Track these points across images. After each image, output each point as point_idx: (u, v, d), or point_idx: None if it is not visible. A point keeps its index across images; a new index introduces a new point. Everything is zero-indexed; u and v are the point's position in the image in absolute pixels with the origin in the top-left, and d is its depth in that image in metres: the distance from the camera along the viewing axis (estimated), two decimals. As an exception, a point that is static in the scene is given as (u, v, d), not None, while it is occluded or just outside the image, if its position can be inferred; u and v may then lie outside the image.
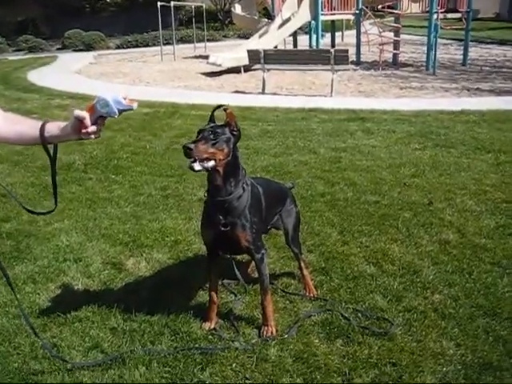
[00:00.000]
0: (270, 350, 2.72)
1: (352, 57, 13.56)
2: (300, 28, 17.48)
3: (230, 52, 16.08)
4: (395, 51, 16.10)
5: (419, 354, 2.67)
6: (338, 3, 16.44)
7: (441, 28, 14.60)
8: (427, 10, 14.92)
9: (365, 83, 12.74)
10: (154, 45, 24.75)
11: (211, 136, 2.61)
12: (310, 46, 16.20)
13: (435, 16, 14.38)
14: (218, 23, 32.16)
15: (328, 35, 19.61)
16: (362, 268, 3.57)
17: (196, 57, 20.08)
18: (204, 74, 15.16)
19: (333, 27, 19.52)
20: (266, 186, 3.11)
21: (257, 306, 3.10)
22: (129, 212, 4.71)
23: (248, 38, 19.87)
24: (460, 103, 9.48)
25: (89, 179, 5.68)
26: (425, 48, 15.61)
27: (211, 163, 2.59)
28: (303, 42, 18.09)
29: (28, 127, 1.99)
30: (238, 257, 3.45)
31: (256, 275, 3.22)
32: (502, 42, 21.88)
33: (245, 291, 3.26)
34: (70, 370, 2.63)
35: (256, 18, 20.03)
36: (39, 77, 15.27)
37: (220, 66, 14.72)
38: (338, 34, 21.04)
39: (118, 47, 26.39)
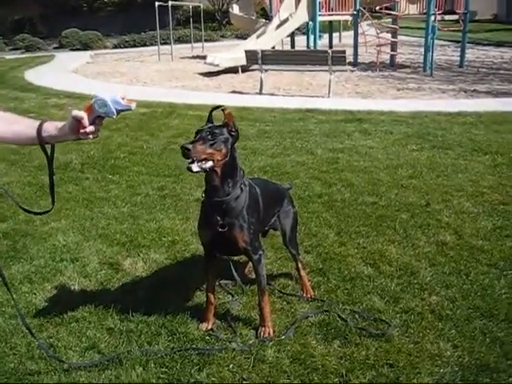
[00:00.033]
0: (267, 350, 2.72)
1: (349, 58, 13.59)
2: (297, 29, 17.50)
3: (228, 52, 16.09)
4: (392, 52, 16.13)
5: (416, 356, 2.67)
6: (335, 4, 16.46)
7: (438, 29, 14.62)
8: (425, 11, 14.95)
9: (362, 84, 12.75)
10: (152, 44, 24.73)
11: (209, 136, 2.60)
12: (308, 46, 16.22)
13: (433, 17, 14.41)
14: (215, 23, 32.19)
15: (325, 36, 19.63)
16: (359, 269, 3.57)
17: (193, 57, 20.09)
18: (201, 74, 15.15)
19: (330, 28, 19.55)
20: (264, 186, 3.11)
21: (254, 306, 3.10)
22: (126, 212, 4.70)
23: (245, 39, 19.91)
24: (457, 105, 9.50)
25: (86, 179, 5.67)
26: (422, 49, 15.67)
27: (209, 164, 2.58)
28: (301, 42, 18.10)
29: (25, 127, 1.98)
30: (235, 257, 3.44)
31: (253, 276, 3.22)
32: (499, 44, 21.93)
33: (242, 292, 3.25)
34: (66, 371, 2.62)
35: (254, 18, 20.03)
36: (36, 76, 15.23)
37: (217, 66, 14.72)
38: (335, 35, 21.05)
39: (116, 47, 26.39)
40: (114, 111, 1.86)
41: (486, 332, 2.84)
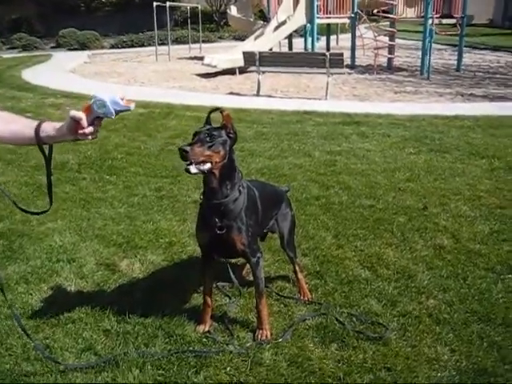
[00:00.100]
0: (264, 353, 2.71)
1: (347, 60, 13.58)
2: (295, 31, 17.51)
3: (226, 53, 16.07)
4: (390, 55, 16.16)
5: (414, 359, 2.67)
6: (333, 7, 16.48)
7: (436, 33, 14.66)
8: (422, 14, 14.98)
9: (359, 87, 12.77)
10: (149, 45, 24.69)
11: (207, 138, 2.59)
12: (306, 49, 16.24)
13: (430, 21, 14.45)
14: (213, 24, 32.17)
15: (323, 38, 19.65)
16: (356, 272, 3.57)
17: (191, 58, 20.05)
18: (199, 75, 15.14)
19: (328, 31, 19.57)
20: (262, 188, 3.10)
21: (251, 309, 3.09)
22: (123, 213, 4.68)
23: (243, 40, 19.89)
24: (454, 108, 9.52)
25: (83, 179, 5.65)
26: (419, 53, 15.69)
27: (207, 166, 2.57)
28: (298, 44, 18.11)
29: (23, 127, 1.96)
30: (233, 260, 3.43)
31: (251, 278, 3.21)
32: (495, 48, 22.02)
33: (239, 294, 3.25)
34: (62, 372, 2.61)
35: (251, 20, 20.02)
36: (33, 75, 15.18)
37: (215, 67, 14.70)
38: (332, 38, 21.07)
39: (113, 47, 26.32)
40: (113, 112, 1.85)
41: (483, 336, 2.84)
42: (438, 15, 15.31)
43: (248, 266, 3.32)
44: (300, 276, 3.31)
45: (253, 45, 15.22)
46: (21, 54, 23.39)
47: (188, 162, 2.51)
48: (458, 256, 3.78)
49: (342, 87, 12.74)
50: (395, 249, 3.93)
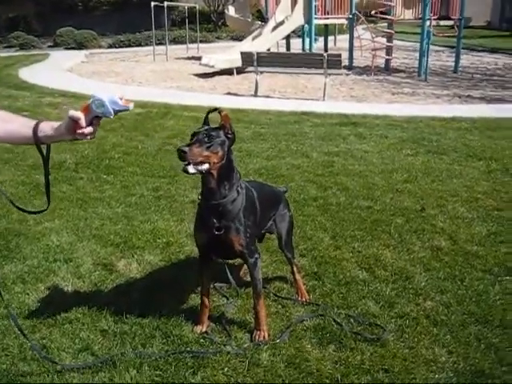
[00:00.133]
0: (262, 354, 2.71)
1: (344, 61, 13.60)
2: (293, 31, 17.51)
3: (223, 53, 16.07)
4: (387, 57, 16.17)
5: (411, 361, 2.67)
6: (331, 7, 16.49)
7: (433, 35, 14.69)
8: (420, 16, 15.01)
9: (357, 88, 12.78)
10: (147, 45, 24.65)
11: (206, 139, 2.58)
12: (303, 49, 16.24)
13: (428, 23, 14.48)
14: (211, 24, 32.16)
15: (321, 39, 19.67)
16: (354, 273, 3.57)
17: (189, 58, 20.05)
18: (196, 75, 15.14)
19: (326, 31, 19.57)
20: (261, 189, 3.10)
21: (249, 309, 3.09)
22: (120, 212, 4.67)
23: (241, 40, 19.90)
24: (451, 110, 9.54)
25: (80, 179, 5.63)
26: (417, 54, 15.71)
27: (205, 166, 2.56)
28: (296, 45, 18.12)
29: (21, 126, 1.95)
30: (230, 260, 3.43)
31: (248, 278, 3.21)
32: (493, 50, 22.06)
33: (237, 295, 3.24)
34: (59, 372, 2.60)
35: (249, 20, 20.02)
36: (31, 74, 15.15)
37: (213, 67, 14.70)
38: (330, 39, 21.08)
39: (111, 46, 26.29)
40: (112, 111, 1.84)
41: (480, 338, 2.84)
42: (435, 17, 15.35)
43: (245, 266, 3.31)
44: (298, 277, 3.31)
45: (251, 45, 15.23)
46: (18, 53, 23.34)
47: (186, 163, 2.50)
48: (456, 258, 3.78)
49: (340, 88, 12.76)
50: (393, 250, 3.93)
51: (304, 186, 5.33)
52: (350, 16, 16.00)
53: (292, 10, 15.99)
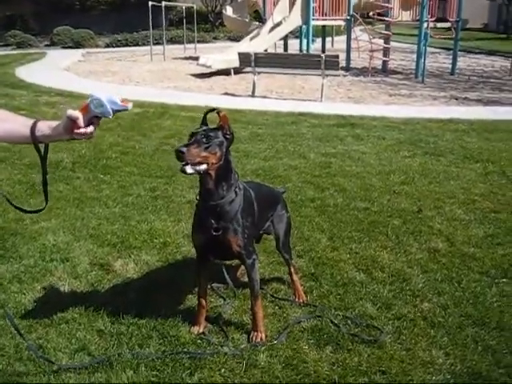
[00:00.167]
0: (259, 355, 2.70)
1: (342, 62, 13.62)
2: (291, 32, 17.52)
3: (221, 54, 16.06)
4: (385, 58, 16.20)
5: (409, 363, 2.66)
6: (329, 9, 16.51)
7: (430, 37, 14.72)
8: (418, 18, 15.04)
9: (354, 89, 12.80)
10: (144, 44, 24.63)
11: (204, 139, 2.58)
12: (301, 50, 16.26)
13: (425, 25, 14.51)
14: (208, 25, 32.16)
15: (318, 40, 19.68)
16: (351, 275, 3.56)
17: (186, 58, 20.02)
18: (194, 75, 15.12)
19: (323, 32, 19.59)
20: (259, 190, 3.09)
21: (246, 310, 3.08)
22: (117, 212, 4.65)
23: (238, 41, 19.91)
24: (448, 112, 9.56)
25: (77, 178, 5.61)
26: (414, 56, 15.77)
27: (203, 167, 2.56)
28: (294, 46, 18.13)
29: (19, 125, 1.94)
30: (228, 261, 3.42)
31: (245, 279, 3.20)
32: (490, 53, 22.13)
33: (234, 296, 3.23)
34: (55, 372, 2.58)
35: (247, 20, 20.04)
36: (27, 73, 15.11)
37: (210, 67, 14.69)
38: (327, 40, 21.10)
39: (108, 46, 26.25)
40: (111, 111, 1.84)
41: (477, 340, 2.84)
42: (433, 19, 15.38)
43: (242, 267, 3.31)
44: (295, 278, 3.30)
45: (248, 45, 15.23)
46: (15, 52, 23.27)
47: (184, 163, 2.50)
48: (453, 259, 3.79)
49: (337, 89, 12.77)
50: (390, 252, 3.93)
51: (301, 186, 5.33)
52: (348, 17, 16.03)
53: (290, 11, 16.01)
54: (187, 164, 2.50)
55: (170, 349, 2.76)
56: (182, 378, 2.56)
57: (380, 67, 16.33)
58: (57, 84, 12.74)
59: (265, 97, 11.53)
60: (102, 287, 3.41)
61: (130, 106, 1.87)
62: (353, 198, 5.03)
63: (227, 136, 2.70)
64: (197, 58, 16.06)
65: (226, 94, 12.08)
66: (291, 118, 8.81)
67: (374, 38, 16.11)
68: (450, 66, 15.86)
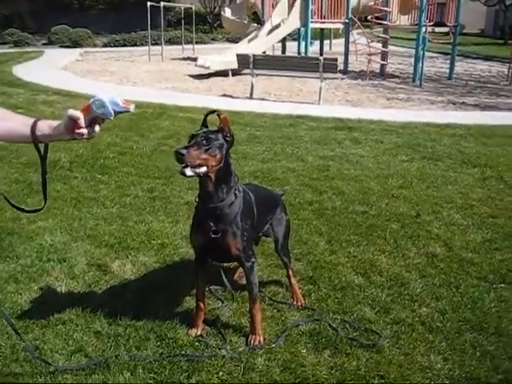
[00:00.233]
0: (257, 359, 2.69)
1: (340, 66, 13.62)
2: (289, 34, 17.54)
3: (219, 55, 16.05)
4: (383, 62, 16.23)
5: (407, 368, 2.66)
6: (327, 12, 16.53)
7: (428, 41, 14.76)
8: (416, 22, 15.07)
9: (352, 92, 12.81)
10: (142, 45, 24.64)
11: (204, 141, 2.56)
12: (299, 52, 16.26)
13: (424, 29, 14.54)
14: (206, 26, 32.16)
15: (316, 43, 19.70)
16: (349, 278, 3.56)
17: (184, 58, 20.02)
18: (192, 76, 15.11)
19: (322, 35, 19.62)
20: (258, 193, 3.08)
21: (244, 313, 3.07)
22: (115, 213, 4.63)
23: (236, 42, 19.92)
24: (446, 116, 9.59)
25: (74, 178, 5.58)
26: (411, 60, 15.79)
27: (203, 169, 2.54)
28: (292, 48, 18.14)
29: (18, 124, 1.93)
30: (226, 263, 3.41)
31: (243, 282, 3.20)
32: (487, 58, 22.23)
33: (232, 298, 3.22)
34: (52, 374, 2.57)
35: (245, 22, 20.04)
36: (25, 71, 15.06)
37: (208, 68, 14.68)
38: (325, 43, 21.13)
39: (105, 45, 26.23)
40: (112, 112, 1.83)
41: (476, 345, 2.84)
42: (431, 23, 15.42)
43: (241, 269, 3.30)
44: (293, 281, 3.29)
45: (246, 47, 15.23)
46: (12, 50, 23.23)
47: (184, 165, 2.48)
48: (451, 264, 3.79)
49: (335, 92, 12.78)
50: (388, 256, 3.92)
51: (299, 189, 5.32)
52: (346, 21, 16.05)
53: (288, 14, 16.02)
54: (187, 166, 2.48)
55: (168, 351, 2.74)
56: (180, 380, 2.55)
57: (378, 71, 16.35)
58: (54, 83, 12.70)
59: (263, 99, 11.53)
60: (100, 288, 3.39)
61: (132, 107, 1.86)
62: (351, 201, 5.02)
63: (227, 138, 2.69)
64: (195, 59, 16.05)
65: (224, 95, 12.07)
66: (289, 121, 8.81)
67: (372, 41, 16.14)
68: (448, 71, 15.90)
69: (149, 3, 19.01)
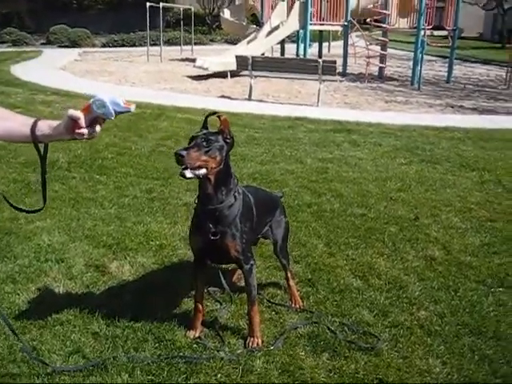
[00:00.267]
0: (255, 361, 2.68)
1: (338, 68, 13.63)
2: (287, 36, 17.55)
3: (218, 56, 16.06)
4: (381, 65, 16.25)
5: (406, 371, 2.65)
6: (326, 14, 16.55)
7: (427, 44, 14.79)
8: (415, 25, 15.10)
9: (351, 95, 12.83)
10: (141, 45, 24.64)
11: (204, 143, 2.56)
12: (297, 54, 16.28)
13: (422, 32, 14.57)
14: (205, 27, 32.17)
15: (315, 45, 19.72)
16: (348, 281, 3.55)
17: (182, 59, 20.03)
18: (190, 77, 15.11)
19: (320, 37, 19.64)
20: (258, 195, 3.08)
21: (242, 315, 3.06)
22: (113, 213, 4.62)
23: (235, 44, 19.93)
24: (444, 120, 9.60)
25: (72, 178, 5.57)
26: (409, 63, 15.84)
27: (203, 171, 2.54)
28: (290, 50, 18.16)
29: (18, 124, 1.92)
30: (224, 265, 3.40)
31: (242, 284, 3.19)
32: (485, 62, 22.28)
33: (230, 300, 3.21)
34: (49, 375, 2.55)
35: (244, 24, 20.06)
36: (23, 71, 15.05)
37: (207, 69, 14.69)
38: (324, 45, 21.15)
39: (104, 45, 26.24)
40: (113, 112, 1.82)
41: (474, 349, 2.84)
42: (430, 27, 15.45)
43: (239, 271, 3.29)
44: (292, 283, 3.29)
45: (245, 49, 15.24)
46: (10, 49, 23.20)
47: (184, 167, 2.47)
48: (449, 268, 3.79)
49: (334, 94, 12.80)
50: (387, 259, 3.92)
51: (298, 191, 5.31)
52: (345, 23, 16.06)
53: (288, 15, 16.03)
54: (187, 168, 2.48)
55: (166, 353, 2.73)
56: (178, 382, 2.54)
57: (376, 73, 16.37)
58: (53, 83, 12.69)
59: (261, 100, 11.53)
60: (98, 289, 3.38)
61: (132, 108, 1.85)
62: (349, 203, 5.02)
63: (227, 140, 2.69)
64: (193, 60, 16.05)
65: (223, 96, 12.07)
66: (288, 123, 8.81)
67: (370, 44, 16.16)
68: (446, 74, 15.94)
69: (148, 4, 19.01)
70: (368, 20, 16.40)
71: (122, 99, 1.83)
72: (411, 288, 3.47)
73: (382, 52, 16.29)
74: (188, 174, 2.49)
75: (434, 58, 21.34)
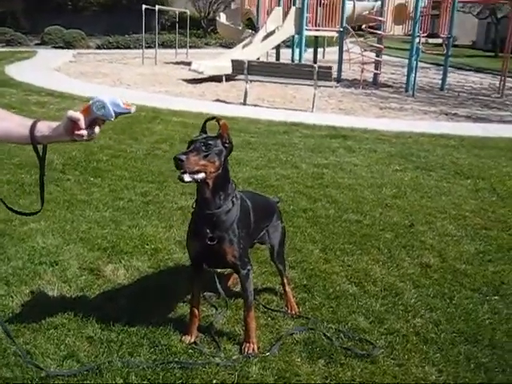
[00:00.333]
0: (251, 367, 2.66)
1: (333, 74, 13.68)
2: (283, 41, 17.60)
3: (213, 60, 16.07)
4: (376, 71, 16.32)
5: (402, 379, 2.65)
6: (322, 20, 16.62)
7: (422, 52, 14.87)
8: (409, 32, 15.18)
9: (345, 101, 12.86)
10: (136, 47, 24.61)
11: (203, 147, 2.55)
12: (293, 60, 16.31)
13: (417, 39, 14.65)
14: (200, 31, 32.19)
15: (309, 50, 19.77)
16: (344, 287, 3.55)
17: (177, 62, 20.00)
18: (185, 80, 15.10)
19: (316, 43, 19.71)
20: (255, 200, 3.07)
21: (238, 320, 3.05)
22: (108, 216, 4.60)
23: (230, 48, 19.97)
24: (439, 127, 9.64)
25: (67, 180, 5.53)
26: (404, 70, 15.91)
27: (201, 175, 2.53)
28: (286, 55, 18.19)
29: (17, 125, 1.90)
30: (220, 270, 3.38)
31: (237, 289, 3.18)
32: (478, 70, 22.43)
33: (226, 305, 3.19)
34: (43, 379, 2.53)
35: (240, 28, 20.09)
36: (17, 71, 14.97)
37: (202, 73, 14.68)
38: (319, 50, 21.21)
39: (99, 47, 26.18)
40: (113, 114, 1.81)
41: (470, 357, 2.84)
42: (424, 34, 15.54)
43: (235, 276, 3.28)
44: (287, 289, 3.28)
45: (241, 53, 15.26)
46: (4, 49, 23.07)
47: (182, 171, 2.46)
48: (445, 275, 3.79)
49: (328, 100, 12.82)
50: (382, 265, 3.92)
51: (294, 197, 5.31)
52: (341, 29, 16.13)
53: (283, 20, 16.07)
54: (185, 172, 2.47)
55: (161, 358, 2.71)
56: (174, 388, 2.52)
57: (371, 80, 16.44)
58: (47, 84, 12.63)
59: (256, 105, 11.53)
60: (92, 292, 3.35)
61: (132, 109, 1.84)
62: (345, 209, 5.02)
63: (226, 145, 2.69)
64: (188, 63, 16.04)
65: (218, 100, 12.07)
66: (283, 128, 8.81)
67: (365, 50, 16.23)
68: (440, 82, 16.02)
69: (144, 6, 18.98)
70: (363, 26, 16.48)
71: (121, 100, 1.82)
72: (407, 295, 3.48)
73: (377, 58, 16.36)
74: (186, 178, 2.48)
75: (428, 66, 21.47)
